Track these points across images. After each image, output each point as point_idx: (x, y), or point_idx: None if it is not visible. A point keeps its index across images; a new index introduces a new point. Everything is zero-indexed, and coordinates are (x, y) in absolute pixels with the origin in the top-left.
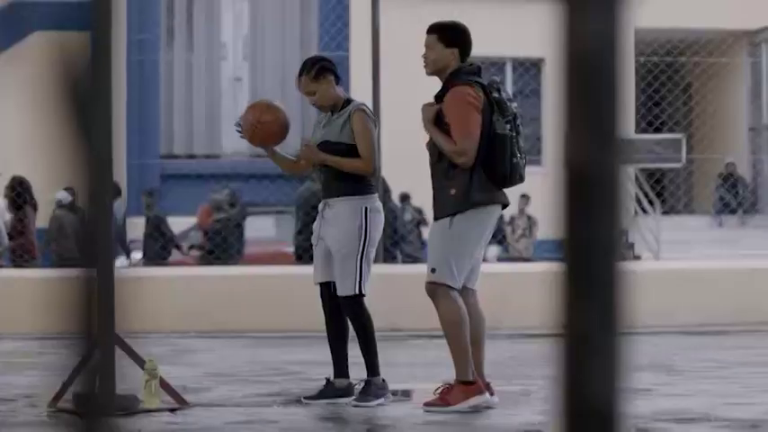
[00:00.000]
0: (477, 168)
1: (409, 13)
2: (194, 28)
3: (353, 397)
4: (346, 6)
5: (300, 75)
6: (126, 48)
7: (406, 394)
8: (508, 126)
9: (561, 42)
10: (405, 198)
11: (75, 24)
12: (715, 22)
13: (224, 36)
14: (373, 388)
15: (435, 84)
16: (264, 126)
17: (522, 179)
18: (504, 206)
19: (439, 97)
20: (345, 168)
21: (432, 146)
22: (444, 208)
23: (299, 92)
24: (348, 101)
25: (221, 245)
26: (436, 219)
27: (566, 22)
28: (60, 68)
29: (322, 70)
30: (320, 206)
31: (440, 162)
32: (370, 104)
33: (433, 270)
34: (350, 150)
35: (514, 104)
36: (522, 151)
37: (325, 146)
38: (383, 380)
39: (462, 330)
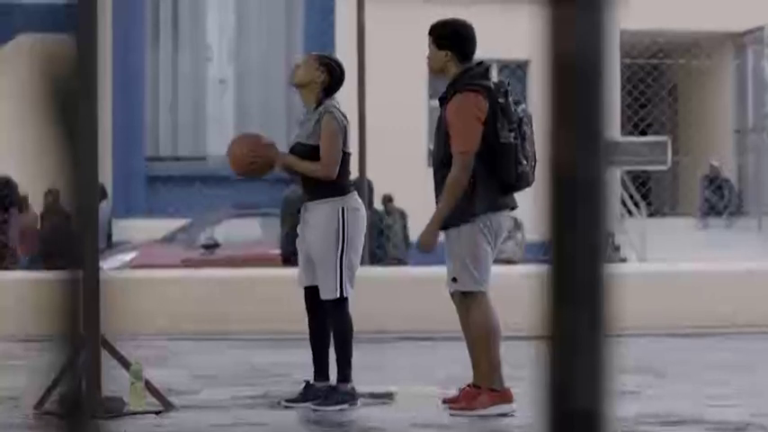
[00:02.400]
0: (479, 177)
1: (394, 15)
2: (179, 29)
3: (317, 401)
4: (331, 8)
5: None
6: (111, 49)
7: (391, 397)
8: (513, 134)
9: (547, 44)
10: (388, 200)
11: (61, 26)
12: (701, 25)
13: (209, 38)
14: (339, 394)
15: (419, 85)
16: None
17: (529, 185)
18: (512, 209)
19: (442, 100)
20: (302, 171)
21: (434, 154)
22: (450, 218)
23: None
24: (321, 102)
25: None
26: (444, 229)
27: (551, 24)
28: (46, 70)
29: (325, 65)
30: (302, 209)
31: (441, 170)
32: (355, 105)
33: (453, 280)
34: (319, 152)
35: (522, 107)
36: (528, 157)
37: (297, 147)
38: (353, 387)
39: (491, 339)
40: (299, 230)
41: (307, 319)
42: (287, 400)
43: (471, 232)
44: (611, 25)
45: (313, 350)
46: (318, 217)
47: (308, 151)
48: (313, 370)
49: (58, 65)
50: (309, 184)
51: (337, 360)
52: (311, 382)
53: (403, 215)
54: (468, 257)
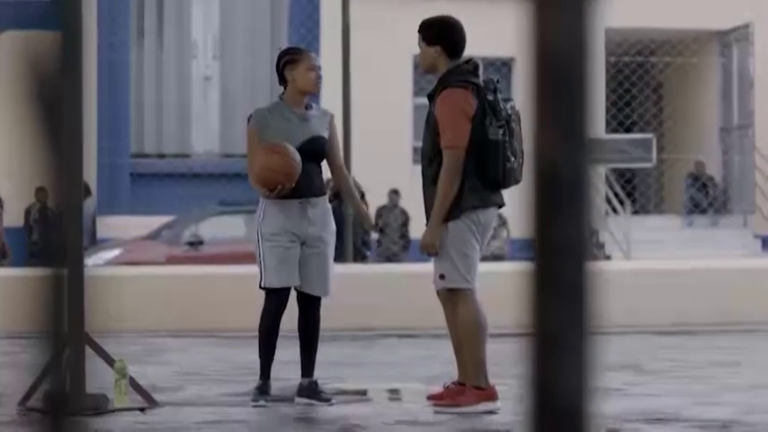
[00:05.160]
0: (467, 174)
1: (379, 13)
2: (164, 27)
3: (310, 396)
4: (317, 6)
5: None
6: (96, 47)
7: (363, 393)
8: (501, 130)
9: (531, 42)
10: (394, 192)
11: (46, 24)
12: (686, 23)
13: (194, 35)
14: (321, 391)
15: (404, 83)
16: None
17: (517, 182)
18: (500, 207)
19: (431, 96)
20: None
21: (422, 152)
22: None
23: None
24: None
25: None
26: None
27: (536, 21)
28: (30, 68)
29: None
30: (297, 204)
31: (430, 168)
32: (340, 103)
33: (441, 277)
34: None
35: (511, 104)
36: (516, 153)
37: (320, 140)
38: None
39: (478, 336)
40: (292, 227)
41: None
42: (253, 401)
43: (459, 229)
44: (595, 23)
45: (273, 351)
46: (326, 212)
47: (325, 145)
48: (265, 369)
49: (43, 62)
50: (317, 180)
51: (313, 358)
52: (267, 381)
53: (405, 214)
54: (456, 254)
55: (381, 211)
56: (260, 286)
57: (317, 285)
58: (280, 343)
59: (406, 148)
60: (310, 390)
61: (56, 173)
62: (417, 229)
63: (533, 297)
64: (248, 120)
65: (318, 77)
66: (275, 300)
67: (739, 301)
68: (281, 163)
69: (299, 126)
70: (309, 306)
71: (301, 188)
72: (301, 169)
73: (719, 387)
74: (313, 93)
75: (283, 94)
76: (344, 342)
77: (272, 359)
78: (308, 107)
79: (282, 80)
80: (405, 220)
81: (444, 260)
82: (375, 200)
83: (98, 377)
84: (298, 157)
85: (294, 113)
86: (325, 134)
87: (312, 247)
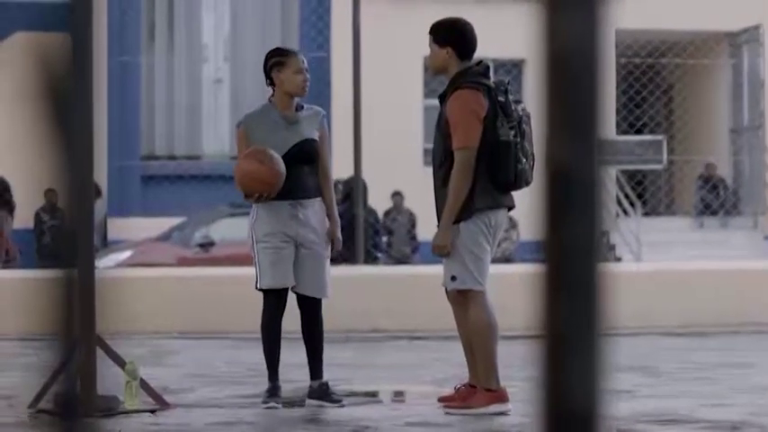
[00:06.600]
0: (479, 175)
1: (390, 15)
2: (175, 29)
3: (321, 398)
4: (327, 8)
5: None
6: (107, 49)
7: (373, 395)
8: (512, 132)
9: (542, 43)
10: (397, 194)
11: (57, 25)
12: (696, 24)
13: (205, 37)
14: (332, 392)
15: (415, 84)
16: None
17: (528, 184)
18: (510, 208)
19: (442, 98)
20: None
21: (434, 153)
22: None
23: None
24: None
25: None
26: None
27: (546, 22)
28: (41, 69)
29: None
30: (287, 206)
31: (440, 169)
32: (350, 104)
33: (452, 278)
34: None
35: (522, 106)
36: (527, 155)
37: (309, 143)
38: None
39: (489, 338)
40: (284, 228)
41: (273, 321)
42: (264, 402)
43: (471, 230)
44: (606, 24)
45: (277, 352)
46: (317, 214)
47: (316, 147)
48: (272, 371)
49: (53, 63)
50: (309, 182)
51: (320, 360)
52: (276, 382)
53: (411, 215)
54: (468, 255)
55: (388, 214)
56: (256, 288)
57: (312, 286)
58: (291, 345)
59: (417, 150)
60: (321, 391)
61: (66, 175)
62: (427, 231)
63: (544, 299)
64: (237, 125)
65: (306, 80)
66: (272, 301)
67: (750, 303)
68: (264, 171)
69: (288, 130)
70: (309, 308)
71: (291, 190)
72: (286, 176)
73: (730, 388)
74: (300, 96)
75: (272, 96)
76: (355, 344)
77: (277, 360)
78: (298, 108)
79: (270, 81)
80: (412, 222)
81: (455, 261)
82: (386, 201)
83: (109, 379)
84: (282, 165)
85: (283, 117)
86: (315, 135)
87: (306, 248)
